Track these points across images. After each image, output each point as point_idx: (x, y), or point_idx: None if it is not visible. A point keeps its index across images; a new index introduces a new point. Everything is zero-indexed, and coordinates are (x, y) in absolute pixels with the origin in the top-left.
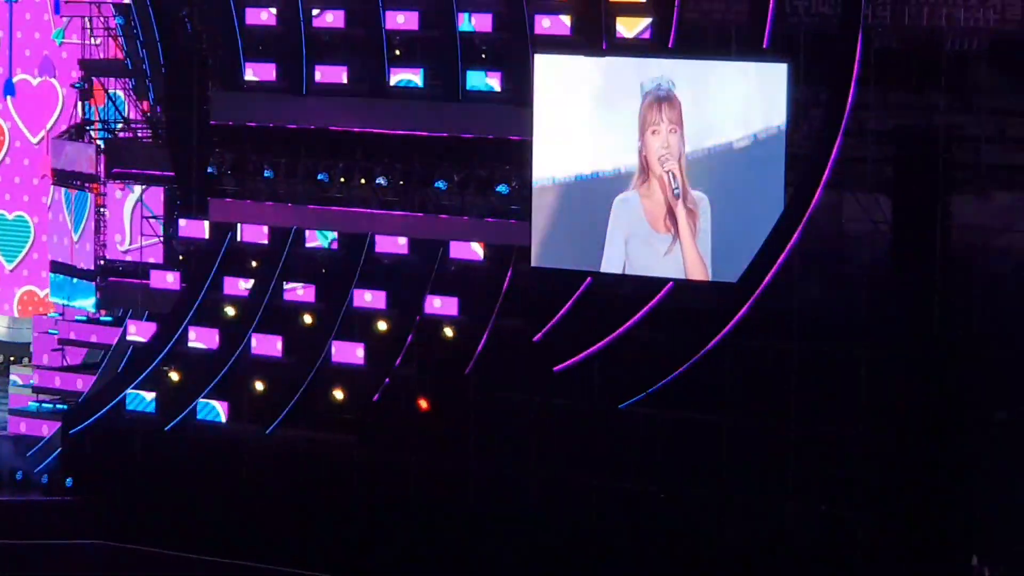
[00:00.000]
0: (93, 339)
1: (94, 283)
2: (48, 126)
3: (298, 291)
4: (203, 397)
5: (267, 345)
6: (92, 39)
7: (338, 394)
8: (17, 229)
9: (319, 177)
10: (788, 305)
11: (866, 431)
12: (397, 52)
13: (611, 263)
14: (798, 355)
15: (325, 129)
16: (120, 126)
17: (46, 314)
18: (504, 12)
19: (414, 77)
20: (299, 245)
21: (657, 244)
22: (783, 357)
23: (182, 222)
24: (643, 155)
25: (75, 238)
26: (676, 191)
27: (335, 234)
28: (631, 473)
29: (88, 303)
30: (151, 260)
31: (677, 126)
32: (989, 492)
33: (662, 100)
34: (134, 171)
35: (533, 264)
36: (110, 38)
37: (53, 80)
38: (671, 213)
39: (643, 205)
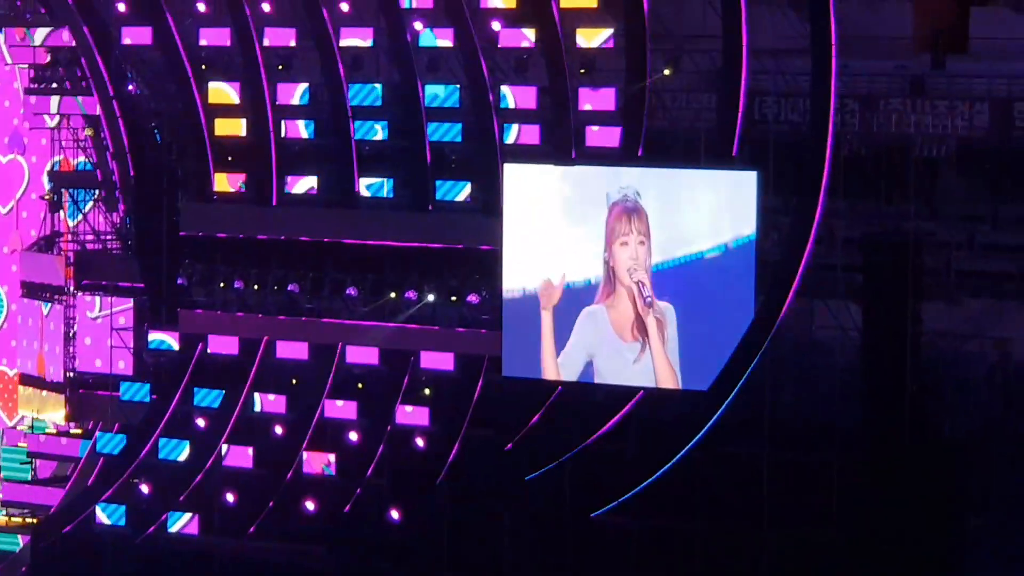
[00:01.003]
0: (63, 451)
1: (63, 395)
2: (17, 196)
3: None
4: (174, 509)
5: (238, 456)
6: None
7: (309, 505)
8: None
9: (289, 288)
10: (759, 413)
11: (839, 537)
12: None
13: (566, 371)
14: (770, 462)
15: (295, 239)
16: (87, 235)
17: (14, 427)
18: (473, 122)
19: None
20: (270, 356)
21: (626, 353)
22: (755, 464)
23: (152, 334)
24: (610, 266)
25: (45, 312)
26: (648, 300)
27: None
28: None
29: (58, 415)
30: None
31: (645, 237)
32: None
33: (631, 212)
34: (104, 283)
35: (504, 374)
36: (79, 149)
37: (20, 158)
38: (639, 322)
39: (609, 316)
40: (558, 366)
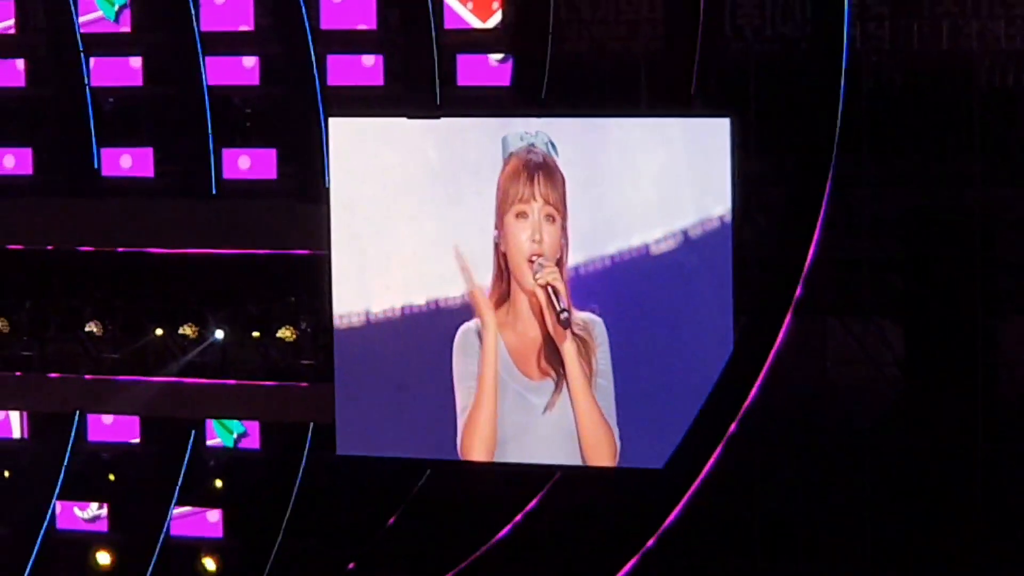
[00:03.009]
0: None
1: None
2: None
3: None
4: None
5: None
6: None
7: None
8: None
9: None
10: (749, 498)
11: None
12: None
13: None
14: None
15: None
16: None
17: None
18: (280, 54)
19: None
20: None
21: (530, 397)
22: None
23: None
24: (500, 251)
25: None
26: (564, 316)
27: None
28: None
29: None
30: None
31: (557, 212)
32: None
33: (535, 167)
34: None
35: (339, 452)
36: None
37: None
38: (549, 347)
39: (502, 338)
40: (476, 442)
